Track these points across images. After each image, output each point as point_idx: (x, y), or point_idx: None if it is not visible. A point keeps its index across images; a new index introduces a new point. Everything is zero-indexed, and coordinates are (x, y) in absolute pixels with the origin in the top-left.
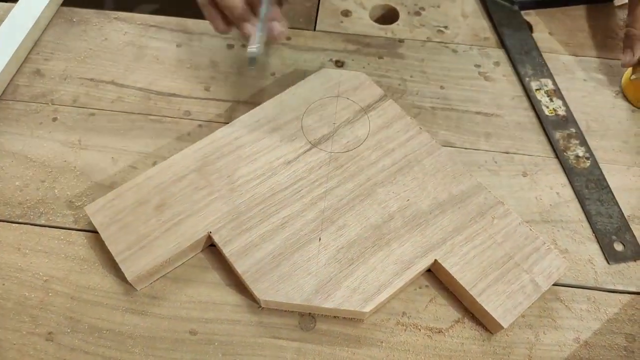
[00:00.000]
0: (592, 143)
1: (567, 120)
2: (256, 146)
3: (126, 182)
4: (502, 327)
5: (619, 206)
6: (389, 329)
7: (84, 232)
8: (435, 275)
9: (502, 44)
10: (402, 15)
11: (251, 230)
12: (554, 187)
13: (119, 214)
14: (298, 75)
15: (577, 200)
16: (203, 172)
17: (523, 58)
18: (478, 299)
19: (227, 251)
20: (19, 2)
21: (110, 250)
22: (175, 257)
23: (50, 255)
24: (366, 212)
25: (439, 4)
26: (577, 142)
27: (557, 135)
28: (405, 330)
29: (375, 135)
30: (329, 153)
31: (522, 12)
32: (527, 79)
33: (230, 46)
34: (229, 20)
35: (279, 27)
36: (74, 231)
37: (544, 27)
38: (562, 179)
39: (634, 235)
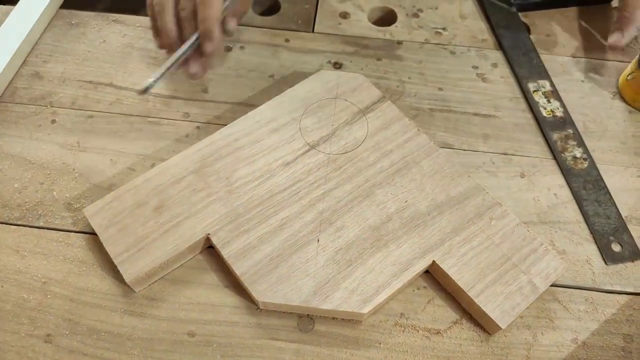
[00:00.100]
0: (589, 144)
1: (565, 121)
2: (254, 148)
3: (125, 184)
4: (500, 328)
5: (616, 207)
6: (387, 330)
7: (83, 234)
8: (434, 276)
9: (500, 46)
10: (400, 17)
11: (249, 231)
12: (552, 188)
13: (118, 216)
14: (296, 77)
15: (574, 201)
16: (201, 173)
17: (521, 59)
18: (476, 300)
19: (225, 253)
20: (17, 5)
21: (109, 252)
22: (173, 259)
23: (48, 257)
24: (364, 213)
25: (437, 6)
26: (575, 143)
27: (555, 136)
28: (403, 331)
29: (374, 137)
30: (327, 155)
31: (520, 14)
32: (525, 80)
33: (228, 48)
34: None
35: (195, 68)
36: (73, 233)
37: (541, 29)
38: (560, 180)
39: (631, 236)
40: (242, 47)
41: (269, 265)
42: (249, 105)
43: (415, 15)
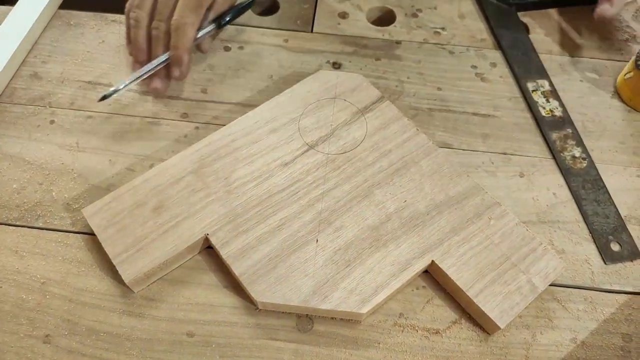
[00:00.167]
0: (588, 144)
1: (564, 121)
2: (253, 148)
3: (123, 184)
4: (499, 328)
5: (615, 206)
6: (386, 330)
7: (82, 235)
8: (433, 276)
9: (499, 45)
10: (399, 17)
11: (248, 232)
12: (551, 187)
13: (116, 216)
14: (295, 77)
15: (573, 200)
16: (200, 174)
17: (520, 59)
18: (475, 300)
19: (224, 253)
20: (16, 5)
21: (108, 253)
22: (172, 260)
23: (47, 257)
24: (363, 213)
25: (436, 6)
26: (574, 142)
27: (554, 136)
28: (402, 331)
29: (373, 137)
30: (326, 155)
31: (519, 14)
32: (524, 80)
33: (227, 48)
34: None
35: (158, 84)
36: (72, 233)
37: (540, 28)
38: (559, 179)
39: (630, 236)
40: (240, 47)
41: (268, 265)
42: (247, 105)
43: (414, 15)
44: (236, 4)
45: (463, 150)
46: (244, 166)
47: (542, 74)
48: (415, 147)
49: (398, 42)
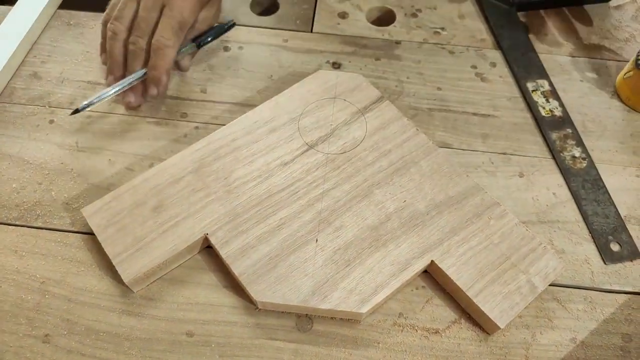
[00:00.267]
0: (588, 143)
1: (564, 120)
2: (253, 148)
3: (123, 184)
4: (498, 328)
5: (615, 206)
6: (385, 330)
7: (81, 234)
8: (432, 276)
9: (499, 45)
10: (399, 17)
11: (248, 231)
12: (551, 187)
13: (116, 216)
14: (295, 77)
15: (573, 200)
16: (200, 173)
17: (519, 59)
18: (475, 300)
19: (224, 253)
20: (16, 5)
21: (107, 253)
22: (172, 259)
23: (47, 257)
24: (363, 213)
25: (436, 6)
26: (574, 142)
27: (554, 135)
28: (402, 331)
29: (372, 137)
30: (326, 154)
31: (519, 13)
32: (524, 79)
33: (226, 48)
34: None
35: (132, 98)
36: (71, 233)
37: (540, 28)
38: (559, 179)
39: (630, 236)
40: (240, 47)
41: (268, 265)
42: (247, 105)
43: (414, 15)
44: (215, 25)
45: (463, 150)
46: (243, 166)
47: (542, 73)
48: (415, 147)
49: (398, 42)
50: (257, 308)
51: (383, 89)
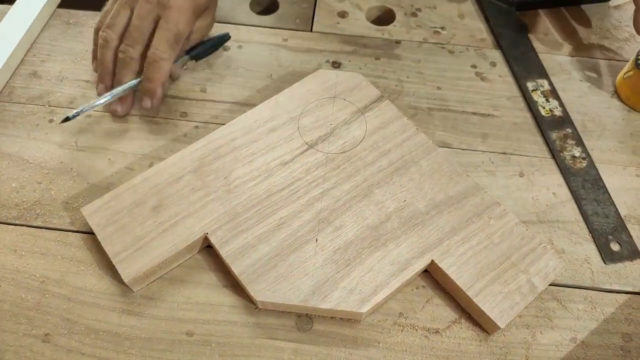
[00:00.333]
0: (588, 143)
1: (564, 120)
2: (253, 147)
3: (123, 183)
4: (499, 328)
5: (615, 206)
6: (385, 330)
7: (81, 234)
8: (432, 275)
9: (499, 45)
10: (399, 16)
11: (248, 231)
12: (551, 187)
13: (116, 215)
14: (295, 77)
15: (573, 200)
16: (200, 173)
17: (519, 58)
18: (475, 300)
19: (223, 252)
20: (15, 4)
21: (107, 252)
22: (172, 259)
23: (46, 256)
24: (363, 212)
25: (435, 5)
26: (574, 142)
27: (554, 135)
28: (402, 330)
29: (372, 136)
30: (326, 154)
31: (518, 13)
32: (524, 79)
33: (226, 48)
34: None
35: (118, 107)
36: (71, 232)
37: (540, 28)
38: (559, 179)
39: (630, 235)
40: (240, 47)
41: (268, 264)
42: (247, 104)
43: (414, 15)
44: (211, 37)
45: (463, 149)
46: (243, 165)
47: (542, 73)
48: (414, 147)
49: (398, 42)
50: (257, 307)
51: (383, 89)
